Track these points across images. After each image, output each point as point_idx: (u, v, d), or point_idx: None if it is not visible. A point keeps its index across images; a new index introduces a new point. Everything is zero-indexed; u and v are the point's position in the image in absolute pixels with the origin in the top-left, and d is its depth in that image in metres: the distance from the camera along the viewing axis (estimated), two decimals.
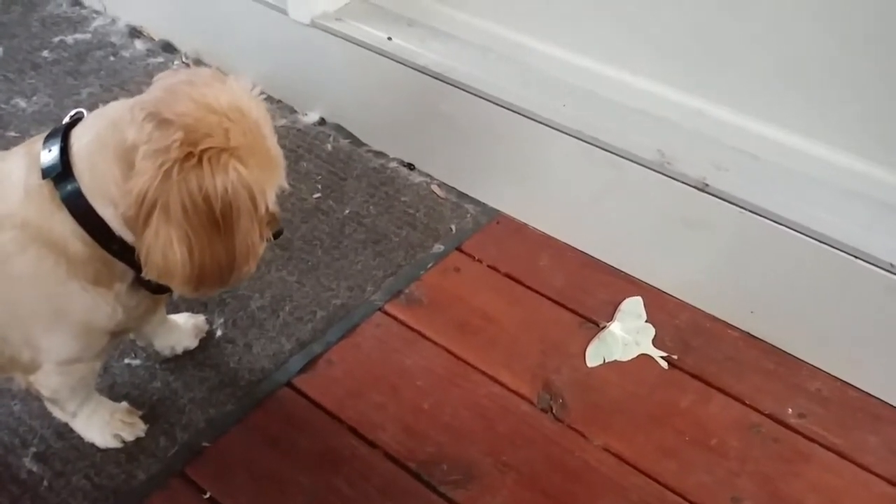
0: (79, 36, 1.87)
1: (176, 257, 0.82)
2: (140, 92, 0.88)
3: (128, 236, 0.86)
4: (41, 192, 0.85)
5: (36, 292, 0.90)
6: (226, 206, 0.81)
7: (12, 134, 1.59)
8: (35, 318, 0.92)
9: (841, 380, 1.22)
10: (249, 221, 0.85)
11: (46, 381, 1.00)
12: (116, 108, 0.86)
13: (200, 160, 0.80)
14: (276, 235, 0.95)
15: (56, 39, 1.86)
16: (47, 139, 0.87)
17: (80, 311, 0.91)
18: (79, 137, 0.86)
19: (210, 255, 0.83)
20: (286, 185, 0.91)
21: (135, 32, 1.88)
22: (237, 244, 0.85)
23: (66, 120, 0.90)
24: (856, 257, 1.12)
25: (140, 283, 0.91)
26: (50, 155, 0.85)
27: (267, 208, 0.87)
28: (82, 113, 0.92)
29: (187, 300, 1.27)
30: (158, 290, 0.94)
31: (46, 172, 0.85)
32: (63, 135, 0.86)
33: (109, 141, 0.84)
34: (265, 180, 0.85)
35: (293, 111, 1.67)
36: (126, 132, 0.82)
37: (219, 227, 0.83)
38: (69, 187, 0.84)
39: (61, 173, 0.84)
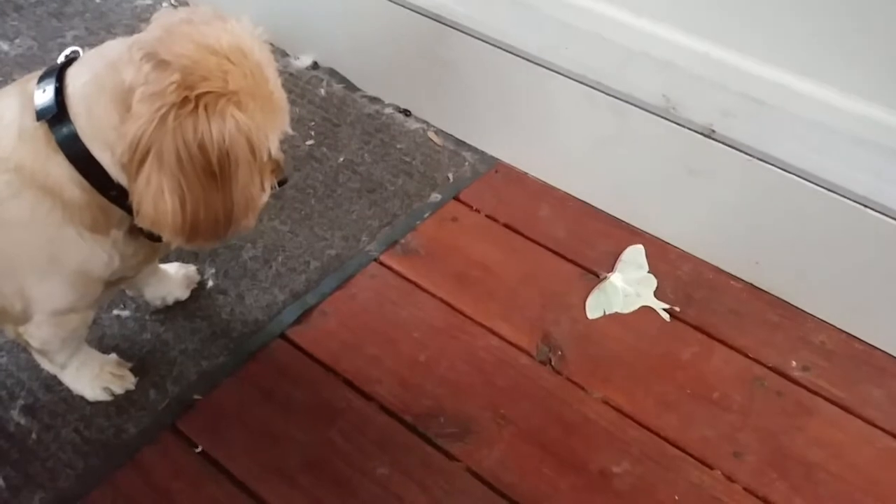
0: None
1: (167, 207, 0.78)
2: (127, 34, 0.84)
3: (126, 182, 0.82)
4: (36, 134, 0.82)
5: (31, 239, 0.86)
6: (223, 155, 0.78)
7: None
8: (29, 265, 0.89)
9: (846, 332, 1.20)
10: (248, 172, 0.81)
11: (37, 332, 0.97)
12: (114, 48, 0.83)
13: (197, 105, 0.76)
14: (281, 184, 0.92)
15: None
16: (41, 79, 0.83)
17: (76, 258, 0.88)
18: (74, 78, 0.82)
19: (205, 207, 0.80)
20: (290, 130, 0.88)
21: None
22: (235, 196, 0.81)
23: (62, 59, 0.86)
24: (865, 206, 1.09)
25: (138, 229, 0.88)
26: (45, 96, 0.81)
27: (270, 155, 0.84)
28: (78, 52, 0.87)
29: (178, 249, 1.24)
30: (157, 237, 0.90)
31: (41, 114, 0.81)
32: (58, 74, 0.83)
33: (106, 82, 0.80)
34: (267, 125, 0.82)
35: (285, 54, 1.62)
36: (123, 73, 0.78)
37: (215, 177, 0.79)
38: (65, 130, 0.81)
39: (56, 115, 0.81)
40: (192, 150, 0.76)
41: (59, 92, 0.81)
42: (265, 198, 0.89)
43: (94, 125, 0.81)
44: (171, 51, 0.78)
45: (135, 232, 0.89)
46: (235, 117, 0.78)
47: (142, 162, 0.77)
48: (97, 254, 0.89)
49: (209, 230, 0.82)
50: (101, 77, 0.81)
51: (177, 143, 0.76)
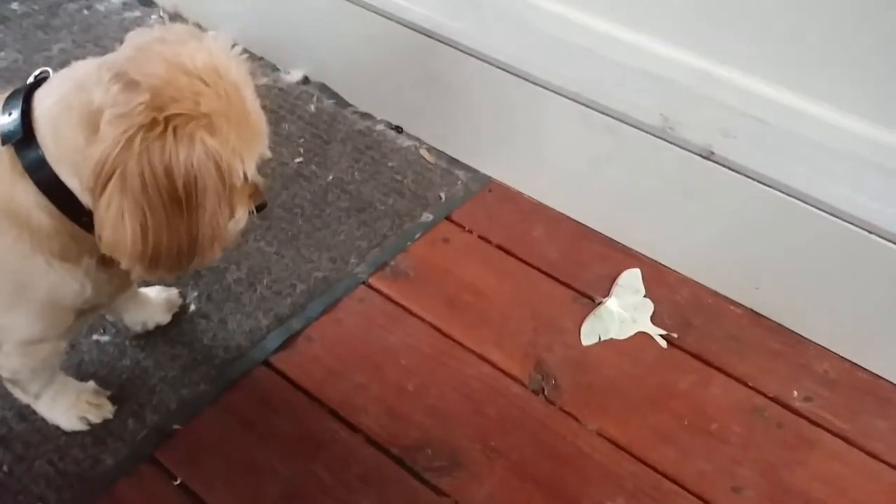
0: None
1: (126, 232, 0.74)
2: (114, 49, 0.80)
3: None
4: (1, 159, 0.78)
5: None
6: (189, 181, 0.74)
7: None
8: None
9: (849, 361, 1.16)
10: (216, 200, 0.77)
11: (6, 362, 0.94)
12: (83, 68, 0.79)
13: (166, 128, 0.72)
14: (259, 209, 0.89)
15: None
16: (7, 101, 0.80)
17: (45, 288, 0.85)
18: (42, 99, 0.79)
19: (167, 235, 0.76)
20: (268, 153, 0.84)
21: None
22: (201, 226, 0.78)
23: (31, 80, 0.83)
24: (869, 232, 1.05)
25: (111, 258, 0.85)
26: (10, 118, 0.78)
27: (246, 179, 0.80)
28: (48, 72, 0.84)
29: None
30: None
31: (6, 138, 0.77)
32: (26, 96, 0.79)
33: (74, 103, 0.76)
34: (243, 149, 0.78)
35: (275, 69, 1.58)
36: (92, 94, 0.75)
37: (181, 204, 0.75)
38: (32, 154, 0.77)
39: (23, 139, 0.77)
40: (158, 175, 0.73)
41: (26, 114, 0.78)
42: (241, 224, 0.85)
43: (61, 148, 0.77)
44: (141, 70, 0.75)
45: (108, 261, 0.85)
46: (205, 142, 0.74)
47: (105, 185, 0.73)
48: (68, 283, 0.85)
49: (171, 259, 0.78)
50: (68, 98, 0.77)
51: (142, 167, 0.72)
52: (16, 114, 0.78)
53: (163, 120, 0.72)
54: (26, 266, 0.82)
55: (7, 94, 0.81)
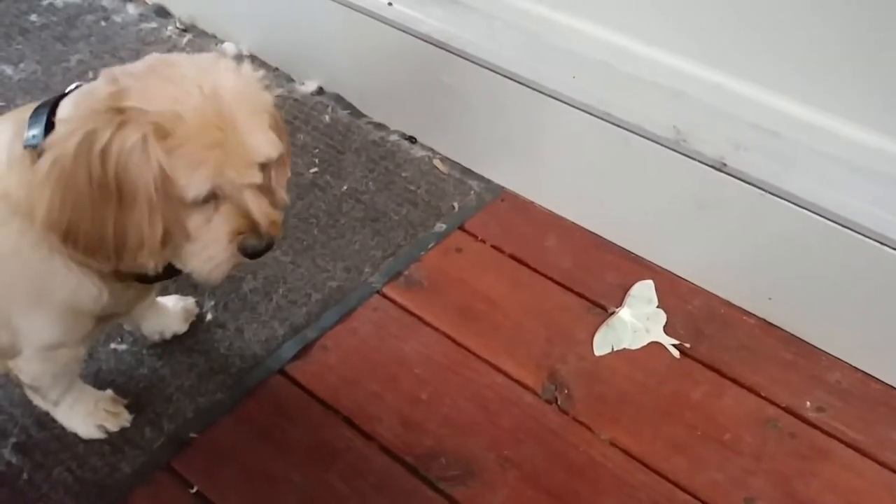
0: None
1: (44, 198, 0.75)
2: (132, 58, 0.82)
3: None
4: (24, 162, 0.80)
5: (17, 268, 0.85)
6: (120, 172, 0.73)
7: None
8: (16, 296, 0.87)
9: (862, 371, 1.16)
10: (146, 205, 0.75)
11: (27, 368, 0.95)
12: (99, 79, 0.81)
13: (117, 118, 0.73)
14: (250, 255, 0.83)
15: (45, 3, 1.78)
16: (38, 108, 0.82)
17: (63, 290, 0.86)
18: (63, 108, 0.81)
19: (90, 219, 0.75)
20: (257, 180, 0.80)
21: None
22: (128, 226, 0.76)
23: (67, 91, 0.85)
24: (882, 243, 1.05)
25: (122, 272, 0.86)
26: (36, 124, 0.80)
27: (216, 200, 0.79)
28: (81, 85, 0.86)
29: (177, 282, 1.22)
30: (145, 279, 0.88)
31: (28, 141, 0.79)
32: (52, 106, 0.81)
33: (80, 106, 0.78)
34: (210, 166, 0.76)
35: (290, 80, 1.60)
36: (92, 97, 0.77)
37: (111, 195, 0.75)
38: None
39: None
40: (93, 157, 0.73)
41: (50, 122, 0.80)
42: (216, 258, 0.82)
43: None
44: (128, 72, 0.77)
45: (121, 274, 0.86)
46: (148, 140, 0.73)
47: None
48: (86, 287, 0.86)
49: (91, 244, 0.77)
50: (76, 102, 0.80)
51: (79, 146, 0.73)
52: (42, 119, 0.80)
53: (118, 110, 0.73)
54: (46, 269, 0.84)
55: (39, 102, 0.83)
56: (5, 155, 0.81)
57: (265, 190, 0.84)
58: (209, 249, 0.81)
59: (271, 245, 0.84)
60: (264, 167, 0.82)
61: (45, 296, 0.87)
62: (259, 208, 0.81)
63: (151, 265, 0.80)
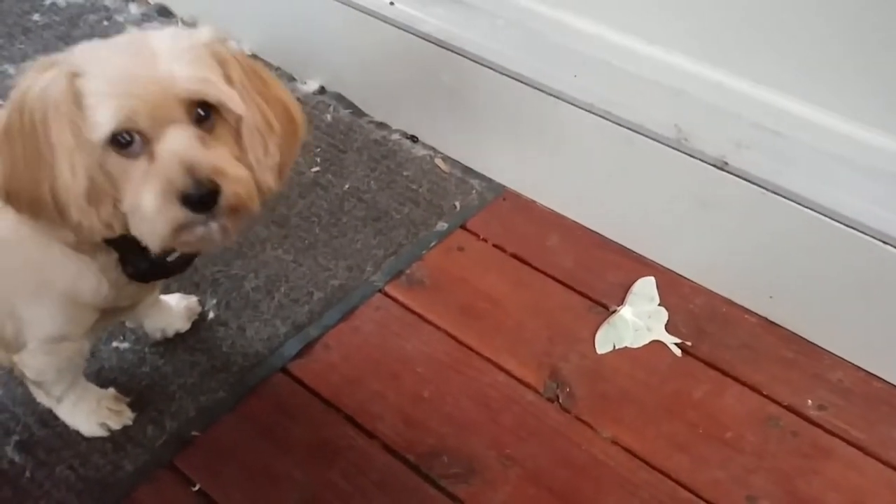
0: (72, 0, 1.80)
1: None
2: None
3: None
4: None
5: (17, 257, 0.85)
6: (38, 119, 0.71)
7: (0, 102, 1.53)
8: (17, 285, 0.87)
9: (864, 370, 1.16)
10: (66, 156, 0.71)
11: (32, 361, 0.95)
12: None
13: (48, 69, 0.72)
14: (190, 204, 0.72)
15: (47, 2, 1.78)
16: None
17: (63, 279, 0.86)
18: None
19: (27, 177, 0.73)
20: (168, 108, 0.72)
21: None
22: (57, 177, 0.72)
23: None
24: (884, 242, 1.05)
25: (124, 266, 0.86)
26: None
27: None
28: None
29: (179, 280, 1.22)
30: (141, 277, 0.88)
31: None
32: None
33: None
34: (127, 103, 0.71)
35: (292, 79, 1.60)
36: None
37: (37, 148, 0.72)
38: None
39: None
40: (24, 107, 0.71)
41: None
42: (155, 210, 0.73)
43: None
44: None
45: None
46: (57, 84, 0.71)
47: None
48: (85, 276, 0.86)
49: (35, 205, 0.75)
50: None
51: (14, 101, 0.72)
52: None
53: (45, 66, 0.73)
54: (45, 257, 0.84)
55: None
56: None
57: (241, 165, 0.78)
58: (146, 205, 0.73)
59: (215, 192, 0.73)
60: (228, 128, 0.77)
61: (46, 285, 0.87)
62: (192, 148, 0.73)
63: (95, 225, 0.75)
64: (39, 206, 0.75)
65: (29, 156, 0.73)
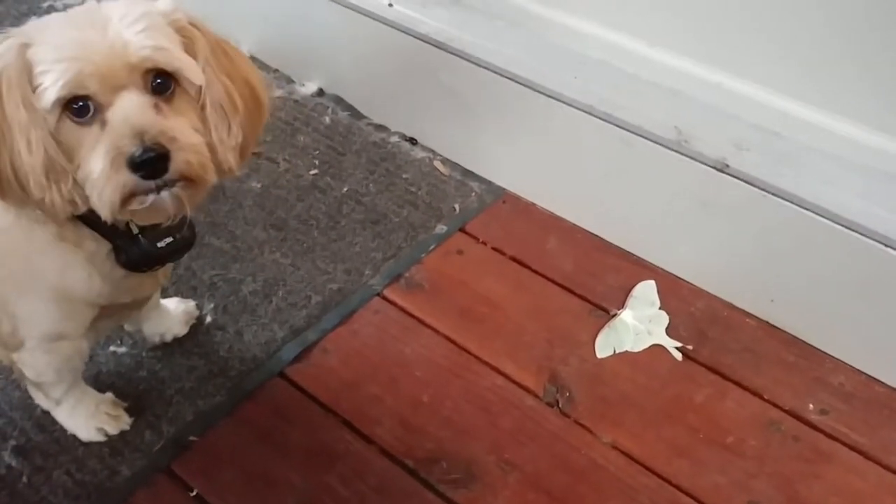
0: (67, 0, 1.79)
1: None
2: None
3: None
4: None
5: (2, 248, 0.84)
6: None
7: None
8: (7, 278, 0.86)
9: (866, 374, 1.15)
10: (19, 127, 0.70)
11: (30, 360, 0.94)
12: None
13: None
14: (137, 167, 0.70)
15: (45, 5, 1.78)
16: None
17: (51, 272, 0.85)
18: None
19: None
20: (117, 72, 0.71)
21: None
22: (13, 154, 0.71)
23: None
24: (885, 244, 1.05)
25: (117, 254, 0.85)
26: None
27: (81, 107, 0.72)
28: None
29: (176, 283, 1.21)
30: (134, 265, 0.86)
31: None
32: None
33: None
34: (76, 66, 0.70)
35: (290, 81, 1.60)
36: None
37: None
38: None
39: None
40: None
41: None
42: (103, 175, 0.71)
43: None
44: None
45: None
46: (8, 53, 0.70)
47: None
48: (73, 268, 0.84)
49: (4, 184, 0.74)
50: None
51: None
52: None
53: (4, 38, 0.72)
54: (31, 247, 0.82)
55: None
56: None
57: (196, 133, 0.76)
58: (93, 170, 0.71)
59: (162, 154, 0.71)
60: (182, 98, 0.76)
61: (35, 278, 0.85)
62: (142, 113, 0.71)
63: (56, 200, 0.73)
64: (3, 184, 0.73)
65: None
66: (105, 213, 0.74)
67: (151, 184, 0.72)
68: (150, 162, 0.71)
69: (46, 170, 0.72)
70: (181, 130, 0.74)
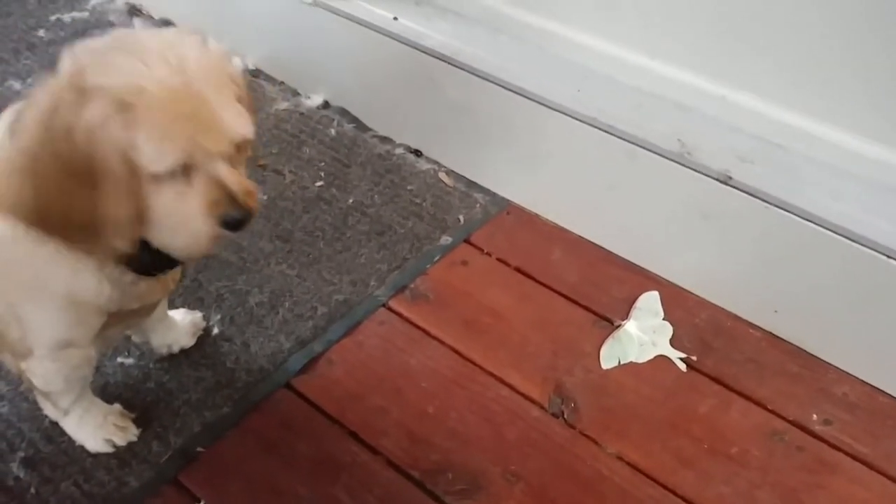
0: (76, 14, 1.81)
1: (12, 180, 0.74)
2: None
3: None
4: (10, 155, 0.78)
5: (12, 256, 0.84)
6: (85, 151, 0.72)
7: None
8: (15, 286, 0.87)
9: (869, 384, 1.16)
10: (116, 190, 0.74)
11: (39, 368, 0.94)
12: None
13: (80, 96, 0.71)
14: (229, 225, 0.79)
15: (53, 18, 1.79)
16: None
17: (60, 280, 0.85)
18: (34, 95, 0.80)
19: (60, 203, 0.74)
20: (222, 148, 0.77)
21: (134, 10, 1.82)
22: (98, 206, 0.75)
23: None
24: (888, 256, 1.05)
25: (128, 260, 0.85)
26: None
27: (188, 174, 0.76)
28: None
29: (183, 295, 1.22)
30: (146, 270, 0.87)
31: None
32: None
33: None
34: (179, 138, 0.74)
35: (296, 93, 1.61)
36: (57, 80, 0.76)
37: (79, 173, 0.73)
38: None
39: None
40: (56, 138, 0.72)
41: None
42: (199, 229, 0.78)
43: None
44: (93, 51, 0.75)
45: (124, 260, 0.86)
46: (111, 119, 0.71)
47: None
48: (83, 276, 0.85)
49: (65, 230, 0.77)
50: (43, 88, 0.78)
51: (44, 127, 0.72)
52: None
53: (79, 88, 0.72)
54: (39, 255, 0.83)
55: None
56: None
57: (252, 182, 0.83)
58: (187, 224, 0.78)
59: (250, 216, 0.79)
60: (239, 148, 0.80)
61: (44, 285, 0.86)
62: (234, 178, 0.78)
63: (119, 244, 0.78)
64: (72, 230, 0.77)
65: (65, 180, 0.74)
66: (186, 256, 0.84)
67: (234, 234, 0.80)
68: (245, 222, 0.79)
69: (130, 221, 0.77)
70: (251, 184, 0.81)
